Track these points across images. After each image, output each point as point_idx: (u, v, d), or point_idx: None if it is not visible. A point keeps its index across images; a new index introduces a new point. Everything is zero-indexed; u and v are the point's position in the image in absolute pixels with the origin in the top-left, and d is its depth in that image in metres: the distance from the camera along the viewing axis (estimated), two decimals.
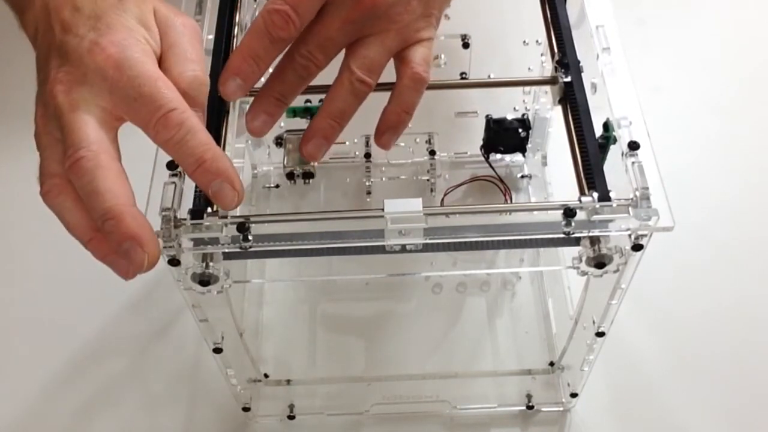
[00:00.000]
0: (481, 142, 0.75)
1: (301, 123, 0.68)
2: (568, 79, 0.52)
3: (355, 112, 0.49)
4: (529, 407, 0.66)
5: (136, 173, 0.43)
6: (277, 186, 0.78)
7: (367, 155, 0.76)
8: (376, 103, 0.67)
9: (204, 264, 0.47)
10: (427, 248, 0.46)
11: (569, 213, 0.44)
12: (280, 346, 0.70)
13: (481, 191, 0.77)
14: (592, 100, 0.51)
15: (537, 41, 0.66)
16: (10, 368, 0.69)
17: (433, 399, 0.66)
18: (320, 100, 0.66)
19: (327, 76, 0.50)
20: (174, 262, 0.45)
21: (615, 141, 0.49)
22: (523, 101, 0.71)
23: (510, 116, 0.72)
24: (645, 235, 0.45)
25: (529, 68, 0.62)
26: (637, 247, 0.46)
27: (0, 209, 0.79)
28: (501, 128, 0.72)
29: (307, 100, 0.66)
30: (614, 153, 0.49)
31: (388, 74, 0.57)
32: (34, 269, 0.75)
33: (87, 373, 0.68)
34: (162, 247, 0.43)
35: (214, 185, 0.42)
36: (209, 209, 0.45)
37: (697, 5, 0.93)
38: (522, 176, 0.78)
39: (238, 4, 0.57)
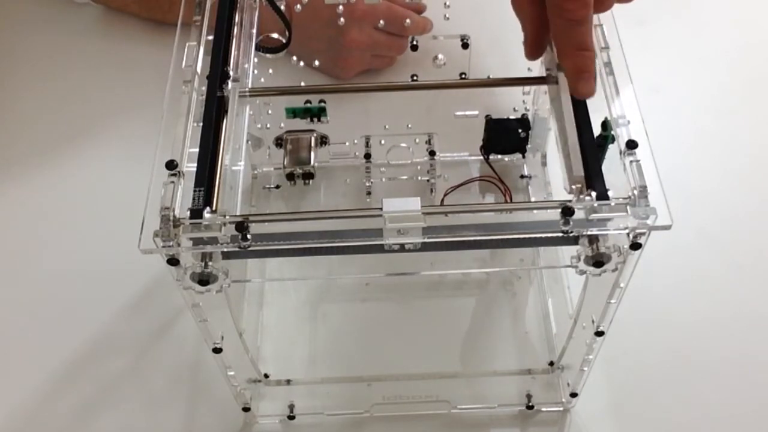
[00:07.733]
0: (481, 142, 0.75)
1: (301, 123, 0.68)
2: None
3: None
4: (529, 407, 0.66)
5: (136, 173, 0.43)
6: (278, 187, 0.78)
7: (367, 156, 0.76)
8: (377, 103, 0.67)
9: (203, 263, 0.47)
10: (426, 247, 0.46)
11: (567, 212, 0.44)
12: (280, 346, 0.70)
13: (481, 191, 0.77)
14: (591, 99, 0.51)
15: None
16: (11, 368, 0.69)
17: (433, 399, 0.66)
18: (320, 101, 0.67)
19: (327, 76, 0.50)
20: (173, 261, 0.45)
21: (613, 140, 0.49)
22: (523, 101, 0.71)
23: (510, 116, 0.72)
24: (643, 234, 0.45)
25: (528, 68, 0.62)
26: (635, 246, 0.46)
27: (0, 209, 0.79)
28: (501, 128, 0.72)
29: (307, 101, 0.66)
30: (613, 152, 0.49)
31: (398, 75, 0.57)
32: (34, 269, 0.75)
33: (87, 372, 0.68)
34: (161, 247, 0.44)
35: None
36: (208, 208, 0.45)
37: (696, 5, 0.93)
38: (522, 176, 0.78)
39: (238, 4, 0.57)
